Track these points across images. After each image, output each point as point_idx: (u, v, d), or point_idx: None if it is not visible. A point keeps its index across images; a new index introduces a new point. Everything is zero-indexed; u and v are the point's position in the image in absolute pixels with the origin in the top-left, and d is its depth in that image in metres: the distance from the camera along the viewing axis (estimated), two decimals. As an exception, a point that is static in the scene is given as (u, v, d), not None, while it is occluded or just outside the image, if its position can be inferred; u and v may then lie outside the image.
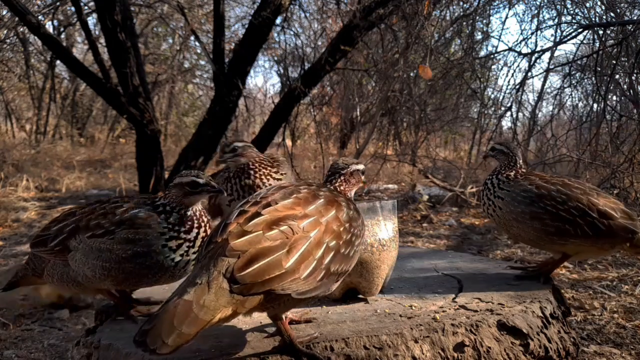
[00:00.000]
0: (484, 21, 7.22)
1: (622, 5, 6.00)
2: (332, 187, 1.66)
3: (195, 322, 1.17)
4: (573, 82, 6.86)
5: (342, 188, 1.68)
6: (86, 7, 8.19)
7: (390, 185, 8.49)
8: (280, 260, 1.29)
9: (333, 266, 1.39)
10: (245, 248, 1.28)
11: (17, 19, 6.85)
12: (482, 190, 2.26)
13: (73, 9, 7.96)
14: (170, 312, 1.17)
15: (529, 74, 6.10)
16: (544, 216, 2.03)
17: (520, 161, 2.23)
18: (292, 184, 1.57)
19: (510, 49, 6.14)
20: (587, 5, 6.16)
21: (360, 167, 1.74)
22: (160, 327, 1.14)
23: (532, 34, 6.81)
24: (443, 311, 1.73)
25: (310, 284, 1.34)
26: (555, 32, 6.24)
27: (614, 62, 5.41)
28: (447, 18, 6.69)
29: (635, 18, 5.76)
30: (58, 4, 8.43)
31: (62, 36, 11.32)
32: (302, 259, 1.33)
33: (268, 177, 2.27)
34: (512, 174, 2.18)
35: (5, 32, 8.36)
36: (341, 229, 1.44)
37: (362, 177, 1.76)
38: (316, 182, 1.74)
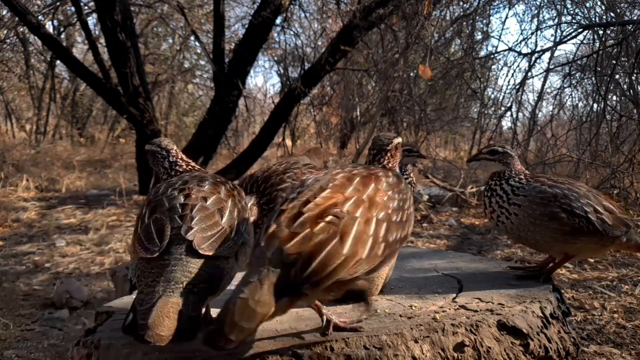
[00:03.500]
0: (484, 21, 7.23)
1: (622, 5, 6.01)
2: (372, 165, 1.65)
3: (253, 317, 1.23)
4: (573, 82, 6.88)
5: (390, 165, 1.68)
6: (86, 7, 8.20)
7: (390, 185, 8.46)
8: (337, 249, 1.31)
9: (390, 236, 1.41)
10: (298, 250, 1.30)
11: (17, 19, 6.85)
12: (488, 197, 2.17)
13: (73, 9, 7.97)
14: (230, 311, 1.23)
15: (529, 74, 6.12)
16: (562, 215, 2.04)
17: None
18: (327, 171, 1.56)
19: (510, 49, 6.15)
20: (587, 5, 6.17)
21: (400, 139, 1.75)
22: (223, 325, 1.22)
23: (532, 34, 6.83)
24: (443, 311, 1.73)
25: (374, 260, 1.37)
26: (555, 32, 6.26)
27: (614, 62, 5.41)
28: (447, 18, 6.70)
29: (635, 18, 5.77)
30: (58, 4, 8.43)
31: (62, 36, 11.31)
32: (357, 240, 1.34)
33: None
34: (522, 177, 2.14)
35: (5, 32, 8.36)
36: (385, 198, 1.44)
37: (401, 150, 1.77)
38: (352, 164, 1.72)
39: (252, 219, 2.22)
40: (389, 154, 1.69)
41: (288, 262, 1.29)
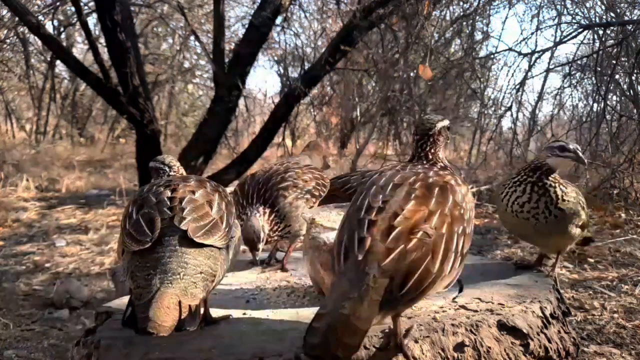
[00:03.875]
0: (484, 21, 7.20)
1: (622, 5, 6.00)
2: (427, 162, 1.65)
3: (357, 333, 1.27)
4: (573, 82, 6.87)
5: (432, 152, 1.67)
6: (86, 7, 8.18)
7: (390, 185, 8.44)
8: (429, 268, 1.37)
9: (464, 248, 1.48)
10: (395, 267, 1.35)
11: (17, 19, 6.85)
12: (538, 194, 2.09)
13: (73, 9, 7.96)
14: (333, 327, 1.26)
15: (529, 74, 6.10)
16: (581, 210, 2.19)
17: None
18: (399, 173, 1.57)
19: (510, 49, 6.14)
20: (587, 5, 6.16)
21: (446, 122, 1.72)
22: (327, 341, 1.25)
23: (532, 34, 6.77)
24: (443, 311, 1.73)
25: (452, 275, 1.46)
26: (555, 32, 6.21)
27: (614, 62, 5.41)
28: (447, 18, 6.68)
29: (635, 18, 5.76)
30: (58, 4, 8.42)
31: (62, 36, 11.29)
32: (444, 258, 1.40)
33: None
34: (563, 181, 2.17)
35: (5, 32, 8.35)
36: (462, 211, 1.50)
37: (448, 133, 1.74)
38: (407, 162, 1.71)
39: (267, 229, 2.26)
40: (431, 140, 1.67)
41: (386, 279, 1.33)
